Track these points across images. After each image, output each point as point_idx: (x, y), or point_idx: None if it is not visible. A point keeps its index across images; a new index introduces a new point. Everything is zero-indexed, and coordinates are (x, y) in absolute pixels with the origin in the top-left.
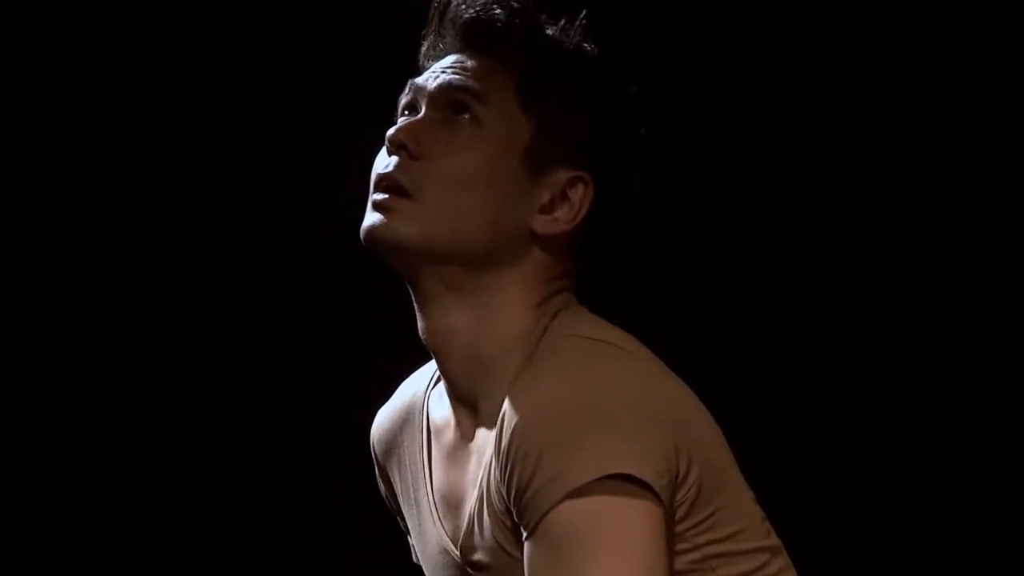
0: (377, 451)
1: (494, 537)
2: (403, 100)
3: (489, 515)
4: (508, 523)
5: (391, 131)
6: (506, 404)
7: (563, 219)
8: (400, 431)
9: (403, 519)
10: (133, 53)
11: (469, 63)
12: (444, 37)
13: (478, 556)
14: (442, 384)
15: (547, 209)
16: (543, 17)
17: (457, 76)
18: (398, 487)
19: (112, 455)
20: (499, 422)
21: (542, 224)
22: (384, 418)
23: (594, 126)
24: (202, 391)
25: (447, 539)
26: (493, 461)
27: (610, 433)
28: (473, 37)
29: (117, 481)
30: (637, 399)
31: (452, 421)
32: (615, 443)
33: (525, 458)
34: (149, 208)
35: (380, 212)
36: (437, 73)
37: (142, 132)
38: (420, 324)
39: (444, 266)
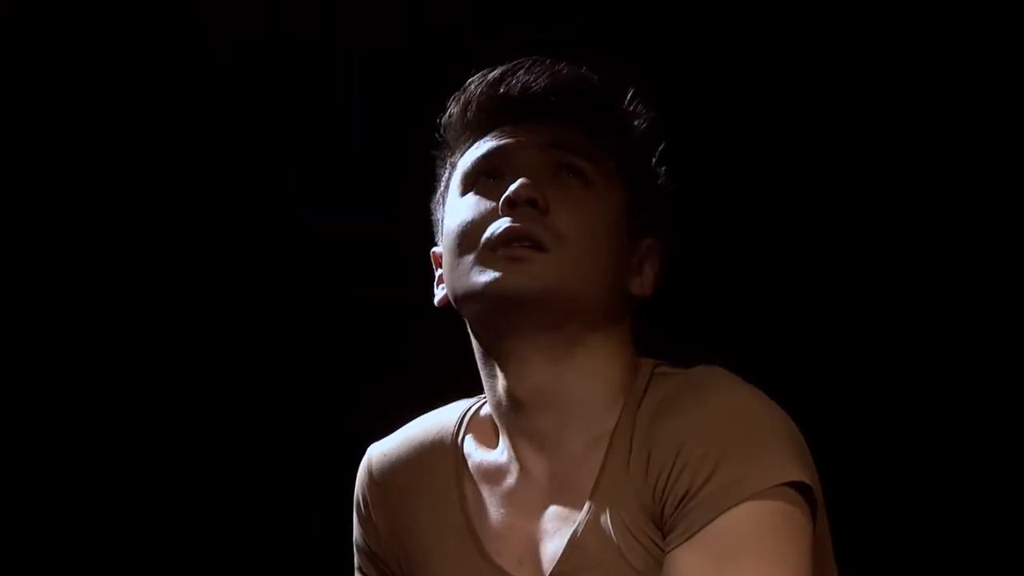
0: (370, 492)
1: (620, 552)
2: (475, 165)
3: (616, 533)
4: (643, 538)
5: (513, 188)
6: (661, 425)
7: (648, 282)
8: (416, 477)
9: (380, 564)
10: (133, 53)
11: (563, 130)
12: (500, 108)
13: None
14: (474, 433)
15: (637, 272)
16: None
17: (562, 141)
18: (390, 531)
19: (105, 453)
20: (633, 444)
21: (638, 286)
22: (389, 460)
23: (666, 195)
24: (199, 392)
25: (509, 573)
26: (636, 475)
27: (783, 445)
28: (563, 107)
29: (114, 482)
30: (790, 423)
31: (512, 466)
32: (789, 454)
33: (702, 460)
34: (148, 208)
35: (517, 264)
36: (526, 140)
37: (141, 132)
38: (510, 380)
39: (567, 320)
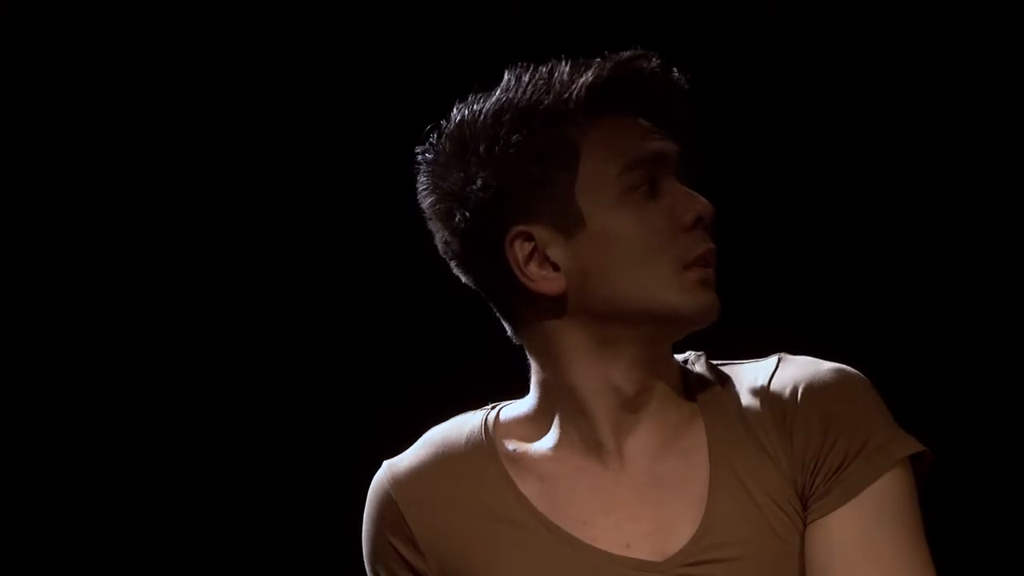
0: (407, 511)
1: (768, 522)
2: (644, 165)
3: (761, 505)
4: (788, 507)
5: (702, 205)
6: (794, 405)
7: None
8: (452, 488)
9: None
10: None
11: (680, 130)
12: (637, 91)
13: (713, 555)
14: (512, 436)
15: None
16: None
17: (680, 144)
18: (433, 548)
19: (120, 452)
20: (746, 425)
21: None
22: (417, 475)
23: None
24: (223, 399)
25: (616, 555)
26: (774, 452)
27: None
28: (684, 104)
29: (126, 482)
30: None
31: (598, 455)
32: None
33: (853, 433)
34: (159, 209)
35: (710, 288)
36: (664, 139)
37: (142, 130)
38: (626, 374)
39: None
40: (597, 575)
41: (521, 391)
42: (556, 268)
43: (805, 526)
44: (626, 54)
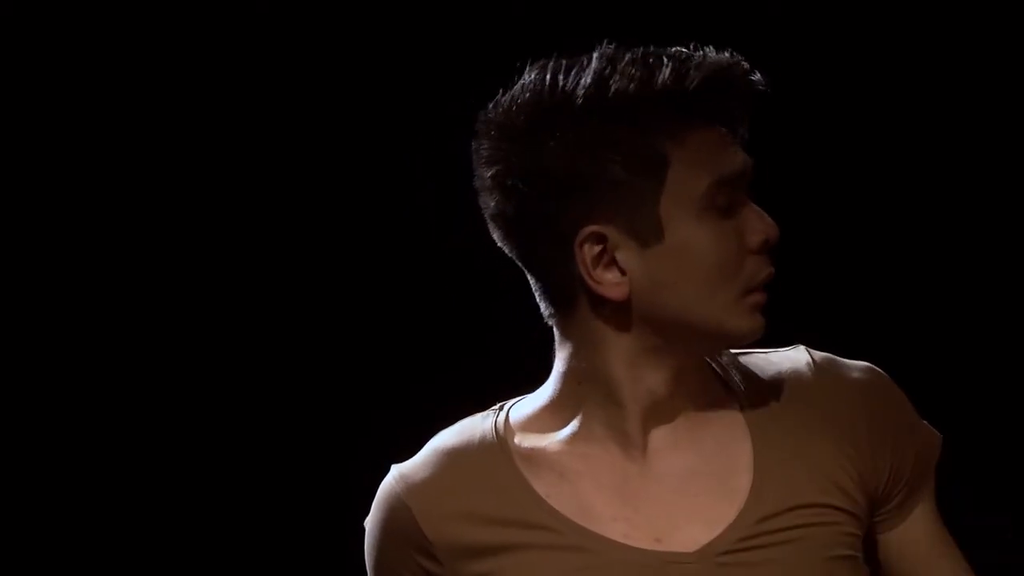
0: (423, 521)
1: (815, 516)
2: (726, 180)
3: (816, 496)
4: (844, 501)
5: (771, 227)
6: (838, 393)
7: None
8: (466, 496)
9: None
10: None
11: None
12: (723, 98)
13: (750, 544)
14: (527, 437)
15: None
16: None
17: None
18: (454, 557)
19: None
20: (784, 424)
21: None
22: (432, 482)
23: None
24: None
25: (647, 550)
26: (846, 447)
27: None
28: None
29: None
30: None
31: (607, 459)
32: None
33: (912, 434)
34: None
35: (761, 313)
36: (743, 153)
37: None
38: (668, 387)
39: None
40: (629, 572)
41: (521, 390)
42: (623, 272)
43: (872, 527)
44: (719, 58)
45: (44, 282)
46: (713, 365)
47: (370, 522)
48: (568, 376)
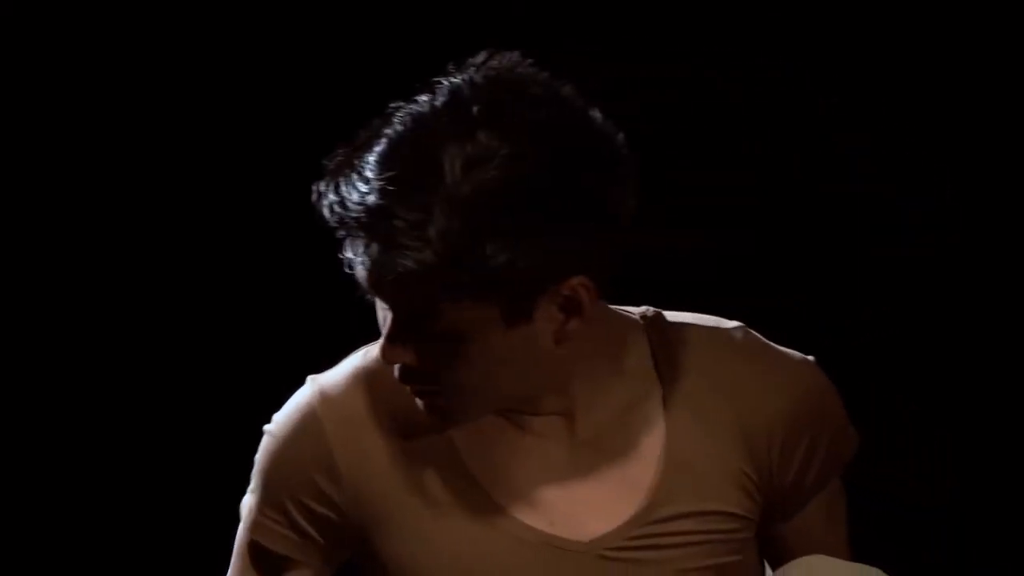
0: (338, 447)
1: (717, 513)
2: None
3: (720, 491)
4: (743, 496)
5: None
6: (752, 405)
7: None
8: (400, 436)
9: (320, 545)
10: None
11: None
12: None
13: (643, 543)
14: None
15: None
16: None
17: None
18: (359, 495)
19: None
20: (699, 408)
21: None
22: (360, 412)
23: None
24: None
25: (543, 535)
26: (723, 445)
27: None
28: None
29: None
30: None
31: (529, 429)
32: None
33: (823, 430)
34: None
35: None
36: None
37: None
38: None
39: None
40: (514, 547)
41: None
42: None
43: (765, 515)
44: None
45: (44, 282)
46: (648, 338)
47: (276, 431)
48: None
